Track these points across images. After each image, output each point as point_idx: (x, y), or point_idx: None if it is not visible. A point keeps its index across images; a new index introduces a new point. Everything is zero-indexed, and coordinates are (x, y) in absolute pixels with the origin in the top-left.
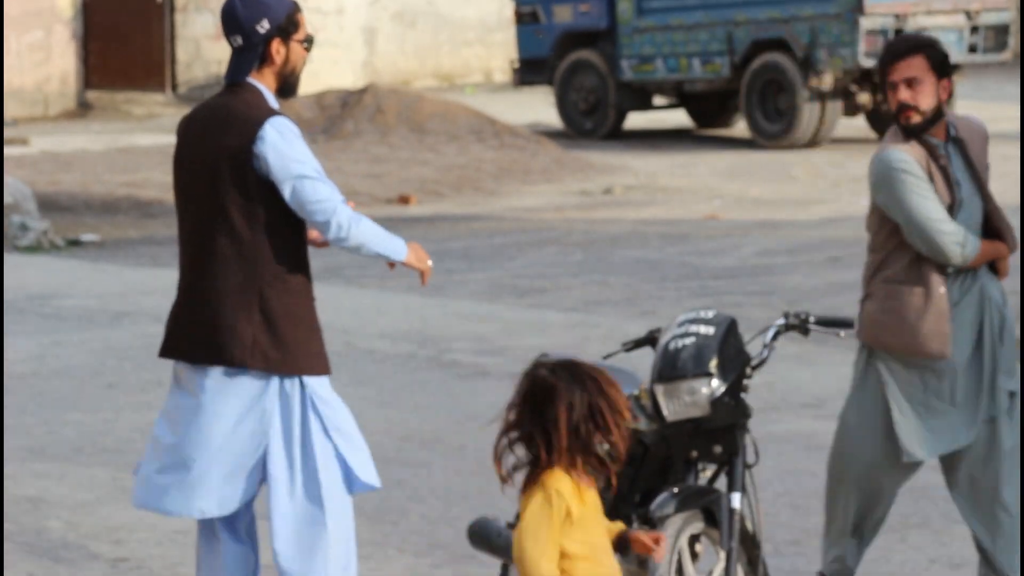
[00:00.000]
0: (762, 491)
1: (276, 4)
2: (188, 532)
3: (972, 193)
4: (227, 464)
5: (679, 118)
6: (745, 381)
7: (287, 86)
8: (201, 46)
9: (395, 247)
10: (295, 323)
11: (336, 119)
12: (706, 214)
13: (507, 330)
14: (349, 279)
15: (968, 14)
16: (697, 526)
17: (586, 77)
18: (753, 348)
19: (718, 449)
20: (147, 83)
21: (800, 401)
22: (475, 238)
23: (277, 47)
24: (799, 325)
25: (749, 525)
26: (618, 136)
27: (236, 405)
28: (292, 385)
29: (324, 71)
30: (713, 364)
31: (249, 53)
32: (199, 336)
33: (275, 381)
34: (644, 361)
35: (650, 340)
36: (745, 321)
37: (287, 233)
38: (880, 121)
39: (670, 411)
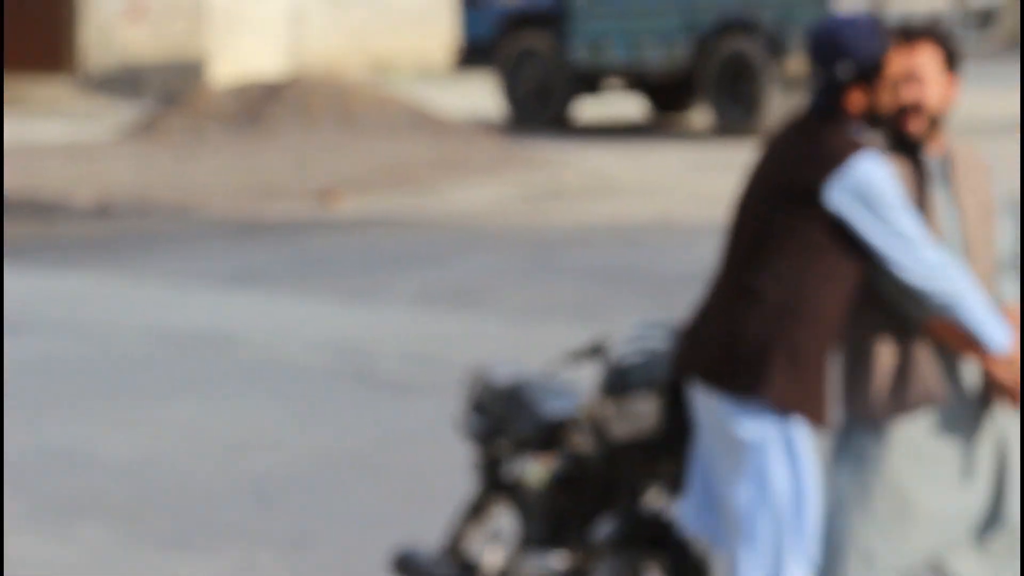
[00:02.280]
0: None
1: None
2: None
3: (953, 239)
4: None
5: (632, 108)
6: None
7: None
8: (110, 27)
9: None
10: None
11: (258, 110)
12: (662, 212)
13: (440, 341)
14: (265, 284)
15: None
16: (642, 553)
17: (533, 61)
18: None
19: (668, 469)
20: (48, 68)
21: None
22: (407, 239)
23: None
24: None
25: (696, 550)
26: (567, 127)
27: None
28: None
29: (246, 56)
30: (665, 377)
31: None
32: None
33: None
34: (590, 374)
35: (597, 351)
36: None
37: None
38: None
39: (619, 429)
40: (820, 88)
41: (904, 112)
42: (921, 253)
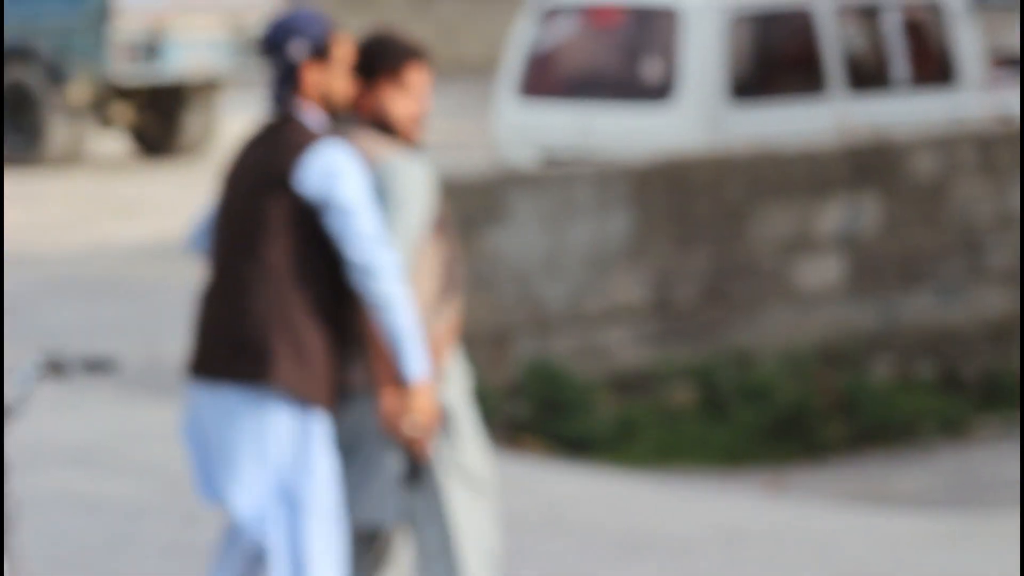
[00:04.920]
0: (25, 555)
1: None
2: None
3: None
4: None
5: None
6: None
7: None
8: None
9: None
10: None
11: None
12: None
13: None
14: None
15: (232, 27)
16: None
17: None
18: (8, 395)
19: None
20: None
21: (61, 453)
22: None
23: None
24: (58, 367)
25: None
26: None
27: None
28: None
29: None
30: None
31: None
32: None
33: None
34: None
35: None
36: None
37: None
38: (147, 140)
39: None
40: (277, 77)
41: (415, 125)
42: (375, 246)
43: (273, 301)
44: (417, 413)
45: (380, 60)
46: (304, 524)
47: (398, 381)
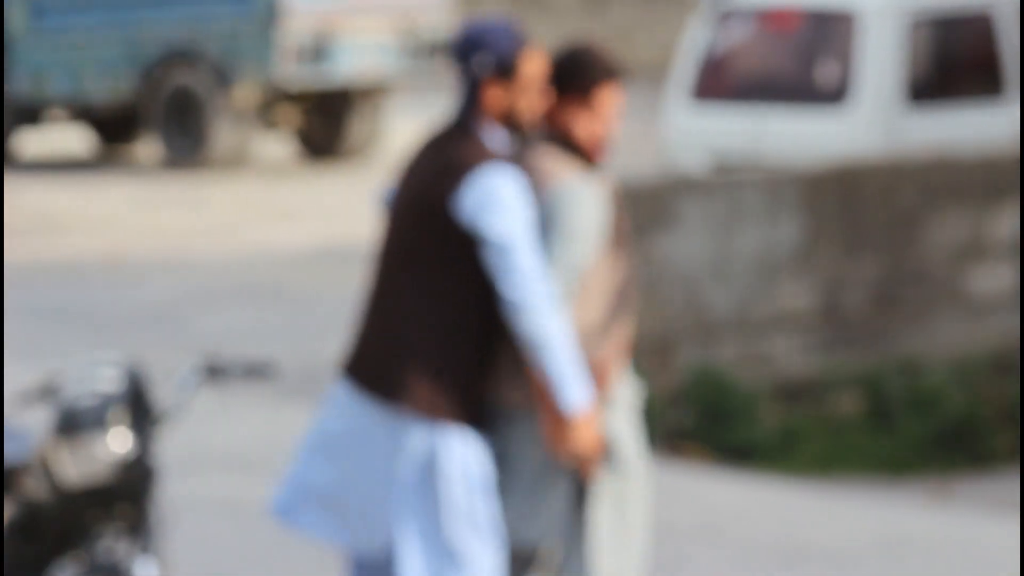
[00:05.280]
0: (178, 562)
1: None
2: None
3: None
4: None
5: (77, 142)
6: (156, 437)
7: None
8: None
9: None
10: None
11: None
12: (110, 249)
13: None
14: None
15: (401, 29)
16: None
17: None
18: (165, 400)
19: (127, 514)
20: None
21: (218, 459)
22: None
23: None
24: (217, 372)
25: None
26: (9, 162)
27: None
28: None
29: None
30: (120, 418)
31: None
32: None
33: None
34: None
35: (48, 392)
36: (156, 370)
37: None
38: (315, 144)
39: (74, 471)
40: (461, 88)
41: (596, 147)
42: (529, 283)
43: (416, 317)
44: (578, 444)
45: (570, 79)
46: (443, 541)
47: (556, 411)
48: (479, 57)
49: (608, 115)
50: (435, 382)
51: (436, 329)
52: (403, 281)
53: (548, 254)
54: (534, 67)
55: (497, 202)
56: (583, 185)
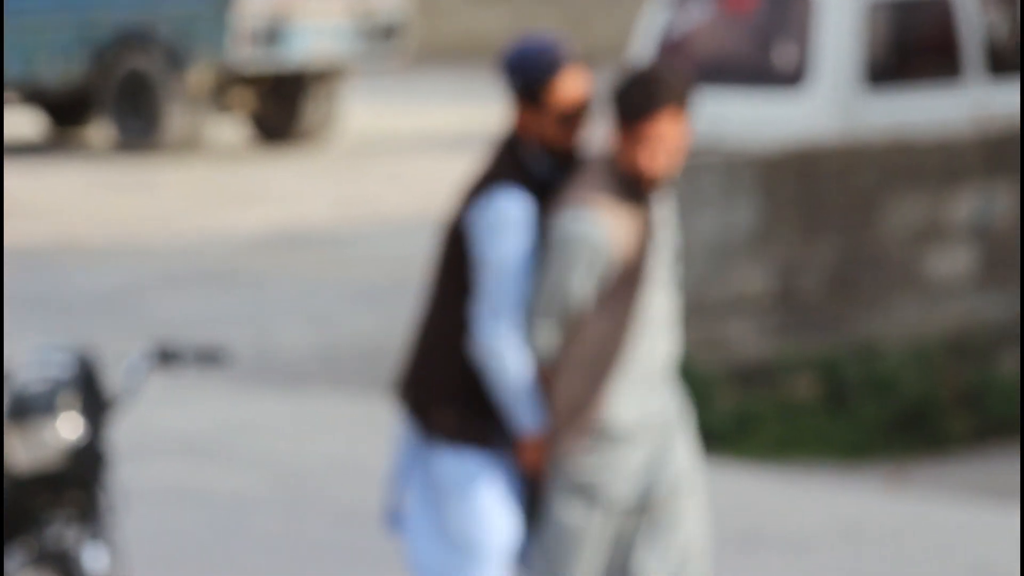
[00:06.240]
0: (129, 548)
1: None
2: None
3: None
4: None
5: (28, 125)
6: (107, 422)
7: None
8: None
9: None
10: None
11: None
12: (64, 234)
13: None
14: None
15: (356, 12)
16: None
17: None
18: (116, 385)
19: (77, 500)
20: None
21: (170, 445)
22: None
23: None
24: (169, 357)
25: None
26: None
27: None
28: None
29: None
30: (70, 404)
31: None
32: None
33: None
34: None
35: None
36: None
37: None
38: (269, 127)
39: (24, 457)
40: (507, 107)
41: (644, 178)
42: (494, 308)
43: (442, 339)
44: (525, 467)
45: (622, 105)
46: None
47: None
48: (512, 79)
49: (666, 144)
50: (457, 405)
51: (458, 351)
52: (435, 302)
53: (538, 282)
54: (567, 93)
55: (493, 225)
56: (585, 216)
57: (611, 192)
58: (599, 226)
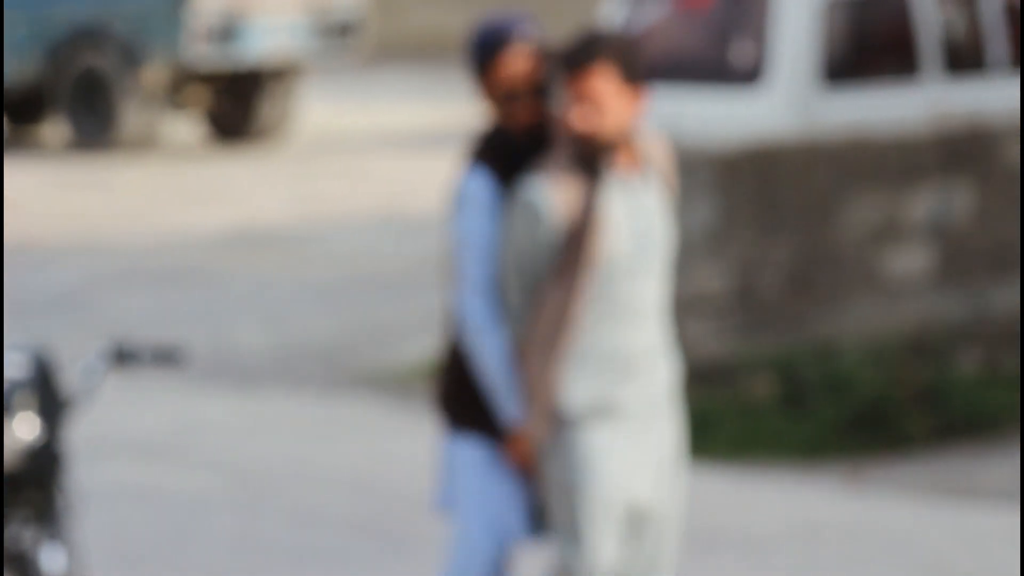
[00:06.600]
0: (87, 548)
1: None
2: None
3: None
4: None
5: None
6: (64, 422)
7: None
8: None
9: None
10: None
11: None
12: (17, 233)
13: None
14: None
15: (312, 9)
16: None
17: None
18: (73, 385)
19: (34, 500)
20: None
21: (127, 445)
22: None
23: None
24: (125, 357)
25: None
26: None
27: None
28: None
29: None
30: (26, 404)
31: None
32: None
33: None
34: None
35: None
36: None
37: None
38: (225, 125)
39: None
40: None
41: (580, 138)
42: (467, 293)
43: (450, 322)
44: (513, 458)
45: (559, 65)
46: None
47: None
48: (468, 59)
49: (605, 103)
50: (455, 391)
51: (456, 336)
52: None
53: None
54: (509, 71)
55: (461, 205)
56: (532, 184)
57: (569, 163)
58: (542, 194)
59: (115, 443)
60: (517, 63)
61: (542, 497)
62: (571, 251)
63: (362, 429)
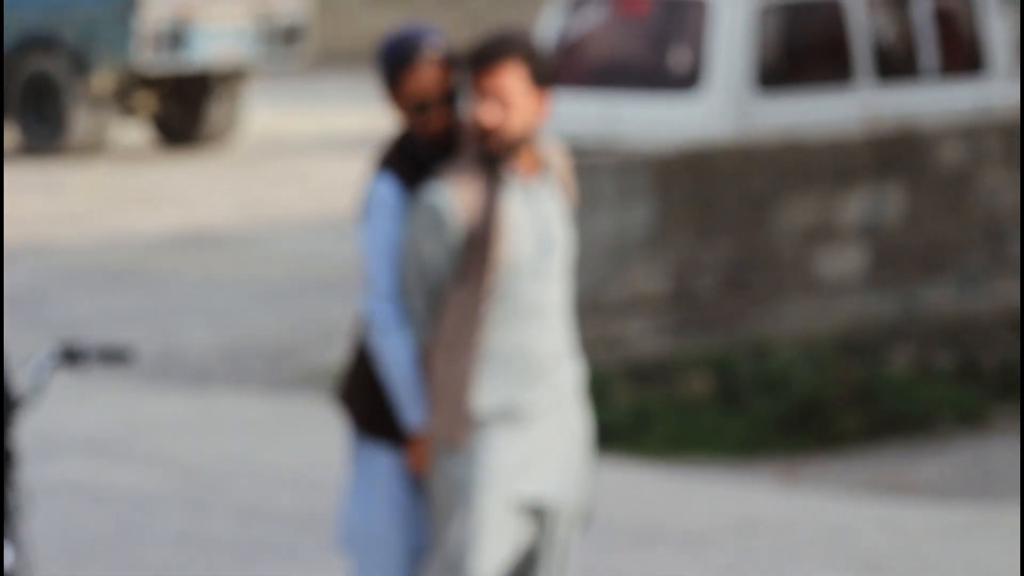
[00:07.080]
0: (36, 546)
1: None
2: None
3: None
4: None
5: None
6: (13, 421)
7: None
8: None
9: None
10: None
11: None
12: None
13: None
14: None
15: (258, 15)
16: None
17: None
18: (21, 384)
19: None
20: None
21: (76, 443)
22: None
23: None
24: (73, 357)
25: None
26: None
27: None
28: None
29: None
30: None
31: None
32: None
33: None
34: None
35: None
36: (14, 355)
37: None
38: (172, 129)
39: None
40: None
41: (486, 135)
42: (373, 298)
43: (359, 332)
44: (412, 463)
45: (467, 65)
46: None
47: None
48: (378, 69)
49: (508, 100)
50: (364, 398)
51: (360, 342)
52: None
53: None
54: (418, 84)
55: (368, 211)
56: (433, 186)
57: (471, 165)
58: (443, 195)
59: (63, 441)
60: (426, 74)
61: (429, 498)
62: (474, 254)
63: (307, 426)
